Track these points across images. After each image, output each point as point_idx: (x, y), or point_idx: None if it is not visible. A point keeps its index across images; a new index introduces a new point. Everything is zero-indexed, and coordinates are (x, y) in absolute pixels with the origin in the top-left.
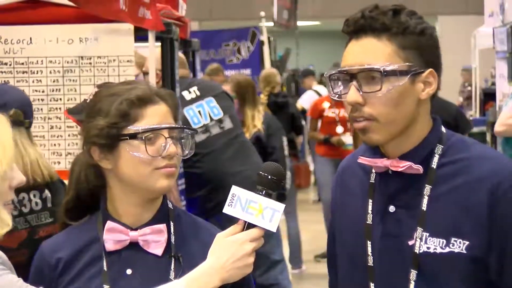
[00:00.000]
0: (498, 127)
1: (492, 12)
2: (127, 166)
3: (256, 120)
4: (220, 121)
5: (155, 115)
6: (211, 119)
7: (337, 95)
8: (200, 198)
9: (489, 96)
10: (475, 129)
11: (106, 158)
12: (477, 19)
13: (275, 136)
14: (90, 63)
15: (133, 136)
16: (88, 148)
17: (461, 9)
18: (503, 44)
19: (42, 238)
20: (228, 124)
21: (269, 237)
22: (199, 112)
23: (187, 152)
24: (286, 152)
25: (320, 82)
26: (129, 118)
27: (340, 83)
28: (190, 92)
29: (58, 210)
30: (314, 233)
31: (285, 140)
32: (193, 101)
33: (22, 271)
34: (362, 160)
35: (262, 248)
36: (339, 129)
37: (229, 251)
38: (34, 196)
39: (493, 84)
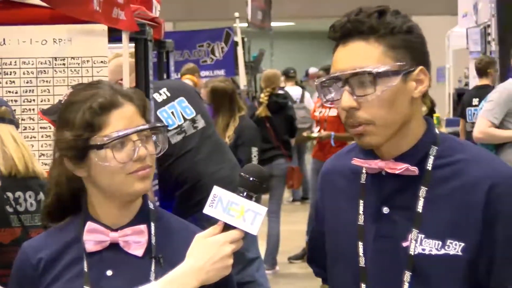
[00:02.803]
0: (477, 134)
1: (466, 12)
2: (100, 174)
3: (229, 130)
4: (193, 120)
5: (121, 119)
6: (185, 119)
7: (329, 102)
8: (176, 198)
9: (462, 96)
10: (449, 129)
11: (80, 167)
12: (451, 19)
13: (243, 148)
14: (64, 64)
15: (100, 146)
16: (61, 159)
17: (435, 9)
18: (477, 44)
19: None
20: (201, 123)
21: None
22: (172, 113)
23: (160, 147)
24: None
25: (297, 83)
26: (94, 127)
27: (331, 89)
28: (160, 94)
29: None
30: (285, 233)
31: (254, 151)
32: (164, 102)
33: (11, 268)
34: (356, 161)
35: None
36: (315, 129)
37: (208, 252)
38: (30, 197)
39: (467, 84)
